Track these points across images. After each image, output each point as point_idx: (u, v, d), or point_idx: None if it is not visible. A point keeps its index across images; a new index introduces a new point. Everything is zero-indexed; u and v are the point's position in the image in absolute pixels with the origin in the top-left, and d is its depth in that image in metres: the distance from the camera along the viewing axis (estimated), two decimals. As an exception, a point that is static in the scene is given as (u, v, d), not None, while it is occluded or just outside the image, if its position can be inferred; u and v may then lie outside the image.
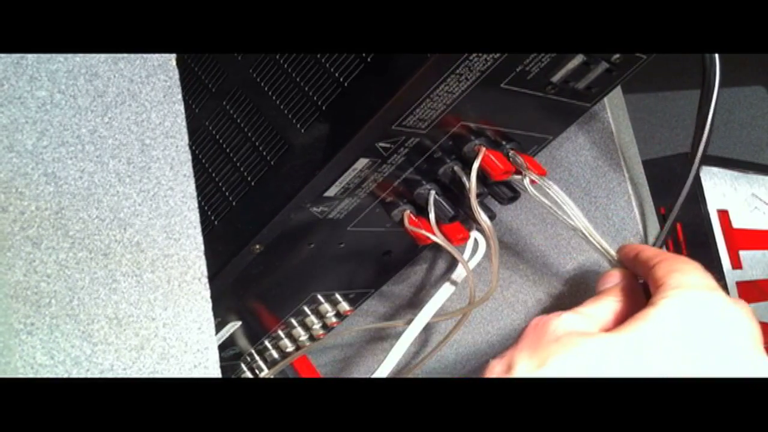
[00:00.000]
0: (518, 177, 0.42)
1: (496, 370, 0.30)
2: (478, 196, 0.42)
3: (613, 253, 0.41)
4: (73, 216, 0.26)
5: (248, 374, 0.53)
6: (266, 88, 0.40)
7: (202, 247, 0.30)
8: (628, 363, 0.29)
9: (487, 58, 0.35)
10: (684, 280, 0.32)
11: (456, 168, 0.42)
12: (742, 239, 0.76)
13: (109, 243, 0.27)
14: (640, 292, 0.36)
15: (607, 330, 0.31)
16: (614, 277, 0.37)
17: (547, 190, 0.42)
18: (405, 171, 0.41)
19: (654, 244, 0.50)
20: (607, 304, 0.34)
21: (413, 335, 0.46)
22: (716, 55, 0.40)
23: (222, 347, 0.49)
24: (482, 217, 0.42)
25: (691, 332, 0.30)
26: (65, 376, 0.24)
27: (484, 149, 0.41)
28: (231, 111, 0.42)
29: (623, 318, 0.33)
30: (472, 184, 0.41)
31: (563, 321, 0.32)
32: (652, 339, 0.29)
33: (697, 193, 0.72)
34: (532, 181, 0.42)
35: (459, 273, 0.48)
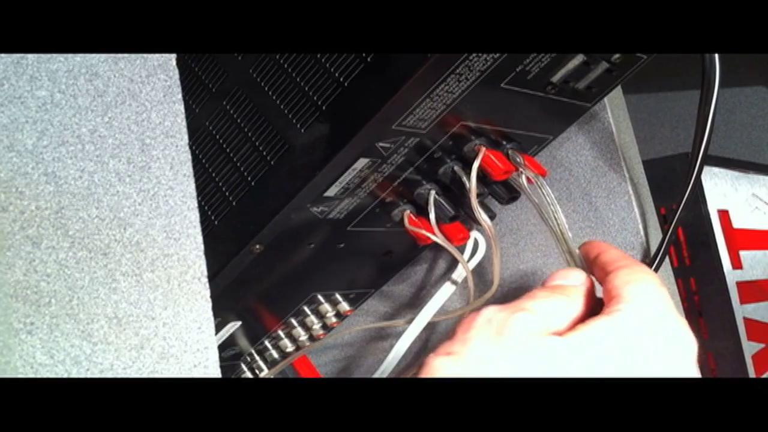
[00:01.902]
0: (515, 173, 0.42)
1: (445, 370, 0.29)
2: (479, 196, 0.42)
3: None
4: (73, 215, 0.26)
5: (248, 374, 0.53)
6: (266, 88, 0.40)
7: (202, 247, 0.30)
8: (575, 368, 0.29)
9: (487, 57, 0.35)
10: (638, 295, 0.32)
11: (456, 168, 0.42)
12: (743, 239, 0.76)
13: (109, 242, 0.27)
14: (594, 296, 0.35)
15: (559, 332, 0.31)
16: (575, 278, 0.36)
17: (539, 189, 0.42)
18: (405, 171, 0.41)
19: (659, 248, 0.50)
20: (562, 305, 0.33)
21: (414, 335, 0.46)
22: (716, 55, 0.40)
23: (222, 347, 0.49)
24: (482, 216, 0.42)
25: (637, 348, 0.30)
26: (65, 375, 0.24)
27: (484, 149, 0.41)
28: (231, 111, 0.42)
29: (576, 320, 0.33)
30: (472, 184, 0.41)
31: (517, 320, 0.31)
32: (599, 349, 0.30)
33: (698, 193, 0.72)
34: (528, 180, 0.42)
35: (459, 273, 0.48)
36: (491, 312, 0.31)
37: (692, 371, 0.31)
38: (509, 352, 0.29)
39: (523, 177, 0.42)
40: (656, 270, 0.51)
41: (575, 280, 0.35)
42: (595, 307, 0.34)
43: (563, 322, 0.32)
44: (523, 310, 0.31)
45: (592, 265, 0.37)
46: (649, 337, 0.31)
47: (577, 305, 0.33)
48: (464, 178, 0.42)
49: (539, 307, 0.32)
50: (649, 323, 0.31)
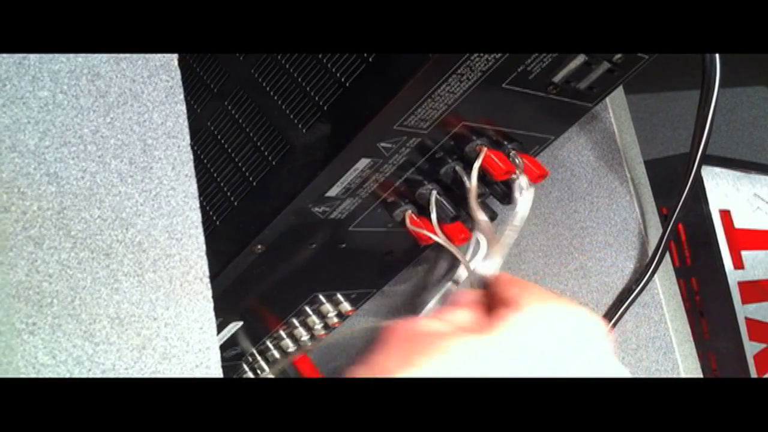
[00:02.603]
0: (513, 176, 0.42)
1: (356, 374, 0.29)
2: (480, 196, 0.42)
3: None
4: (75, 216, 0.26)
5: (250, 374, 0.53)
6: (268, 89, 0.40)
7: (203, 247, 0.30)
8: (498, 362, 0.29)
9: (488, 58, 0.35)
10: (539, 298, 0.32)
11: (458, 168, 0.42)
12: (744, 239, 0.75)
13: (111, 243, 0.27)
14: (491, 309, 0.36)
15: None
16: (470, 295, 0.36)
17: (522, 191, 0.42)
18: (406, 171, 0.41)
19: (657, 246, 0.50)
20: (465, 314, 0.33)
21: (415, 335, 0.46)
22: (716, 55, 0.40)
23: (224, 347, 0.49)
24: (481, 217, 0.42)
25: (554, 337, 0.30)
26: (67, 375, 0.24)
27: (485, 149, 0.41)
28: (233, 111, 0.42)
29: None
30: (472, 184, 0.41)
31: (428, 325, 0.31)
32: (517, 339, 0.29)
33: (699, 193, 0.72)
34: (534, 180, 0.42)
35: (461, 273, 0.48)
36: (400, 324, 0.32)
37: (613, 361, 0.31)
38: (410, 349, 0.29)
39: (523, 180, 0.42)
40: (656, 268, 0.51)
41: (468, 297, 0.36)
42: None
43: (470, 327, 0.33)
44: (429, 318, 0.32)
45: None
46: (561, 327, 0.30)
47: (477, 314, 0.34)
48: (465, 178, 0.42)
49: (441, 315, 0.33)
50: (559, 314, 0.31)
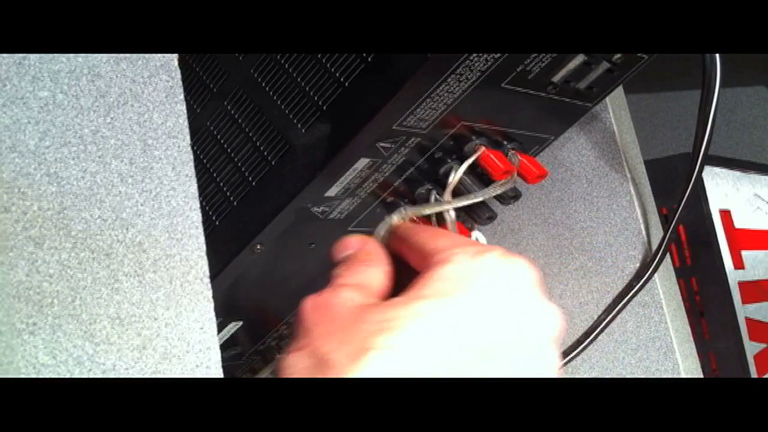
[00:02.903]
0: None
1: (300, 366, 0.28)
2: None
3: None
4: (75, 216, 0.26)
5: (250, 374, 0.53)
6: (267, 89, 0.40)
7: (203, 247, 0.30)
8: (452, 325, 0.27)
9: (487, 57, 0.35)
10: (454, 243, 0.30)
11: (456, 168, 0.42)
12: (745, 239, 0.75)
13: (111, 243, 0.27)
14: (390, 256, 0.34)
15: (385, 298, 0.30)
16: (356, 242, 0.34)
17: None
18: (406, 171, 0.41)
19: (659, 247, 0.50)
20: (375, 274, 0.31)
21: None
22: (717, 55, 0.40)
23: (224, 347, 0.49)
24: (451, 214, 0.40)
25: (487, 283, 0.29)
26: (67, 375, 0.24)
27: (483, 148, 0.41)
28: (232, 111, 0.42)
29: (397, 283, 0.32)
30: (456, 177, 0.41)
31: (344, 298, 0.29)
32: (441, 306, 0.28)
33: (699, 193, 0.72)
34: (532, 180, 0.42)
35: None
36: (311, 300, 0.30)
37: (537, 303, 0.29)
38: (353, 332, 0.28)
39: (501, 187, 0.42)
40: (656, 268, 0.51)
41: (358, 244, 0.33)
42: (408, 266, 0.33)
43: (380, 288, 0.31)
44: (342, 287, 0.30)
45: (403, 243, 0.34)
46: (491, 272, 0.29)
47: (381, 267, 0.32)
48: (465, 177, 0.42)
49: (353, 281, 0.31)
50: (483, 260, 0.29)
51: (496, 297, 0.29)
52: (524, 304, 0.29)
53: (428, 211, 0.38)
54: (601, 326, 0.52)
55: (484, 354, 0.28)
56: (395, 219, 0.35)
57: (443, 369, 0.27)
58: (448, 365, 0.27)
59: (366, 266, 0.32)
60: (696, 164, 0.45)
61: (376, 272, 0.32)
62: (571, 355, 0.52)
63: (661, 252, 0.50)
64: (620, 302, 0.52)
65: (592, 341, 0.52)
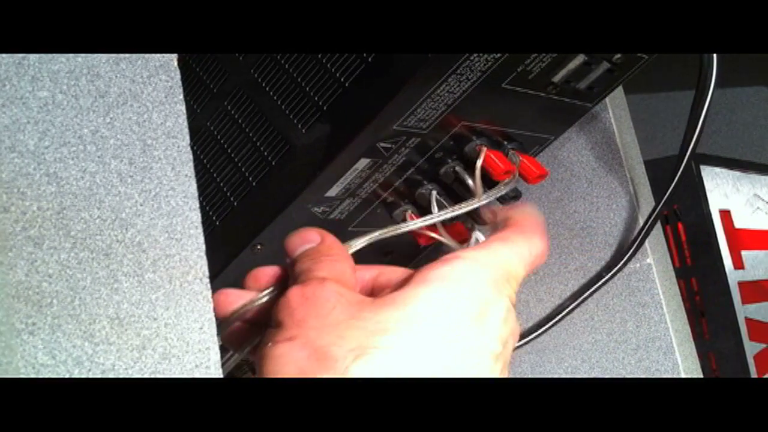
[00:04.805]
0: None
1: (294, 356, 0.28)
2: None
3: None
4: (74, 216, 0.26)
5: (250, 374, 0.53)
6: (267, 89, 0.40)
7: (203, 248, 0.30)
8: (417, 325, 0.28)
9: (488, 58, 0.35)
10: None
11: (458, 168, 0.42)
12: (744, 239, 0.75)
13: (111, 243, 0.27)
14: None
15: (378, 296, 0.30)
16: (315, 236, 0.33)
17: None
18: (406, 171, 0.41)
19: (636, 238, 0.51)
20: (345, 268, 0.31)
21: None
22: (714, 56, 0.40)
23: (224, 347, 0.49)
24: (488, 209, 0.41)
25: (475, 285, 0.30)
26: (67, 376, 0.24)
27: (485, 149, 0.41)
28: (232, 111, 0.42)
29: (377, 280, 0.32)
30: (477, 183, 0.41)
31: (330, 291, 0.29)
32: (428, 307, 0.28)
33: (699, 193, 0.72)
34: (534, 180, 0.42)
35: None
36: (298, 291, 0.30)
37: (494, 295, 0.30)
38: (353, 328, 0.28)
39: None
40: (630, 258, 0.51)
41: (317, 237, 0.33)
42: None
43: (353, 282, 0.31)
44: (325, 280, 0.30)
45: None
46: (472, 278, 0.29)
47: (348, 262, 0.32)
48: (467, 178, 0.42)
49: (332, 274, 0.30)
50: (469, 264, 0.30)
51: (480, 296, 0.29)
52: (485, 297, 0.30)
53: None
54: (566, 311, 0.53)
55: (470, 353, 0.28)
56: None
57: (443, 369, 0.27)
58: (445, 363, 0.28)
59: (334, 260, 0.32)
60: (682, 163, 0.45)
61: (346, 266, 0.32)
62: (529, 337, 0.51)
63: (636, 243, 0.50)
64: (588, 290, 0.52)
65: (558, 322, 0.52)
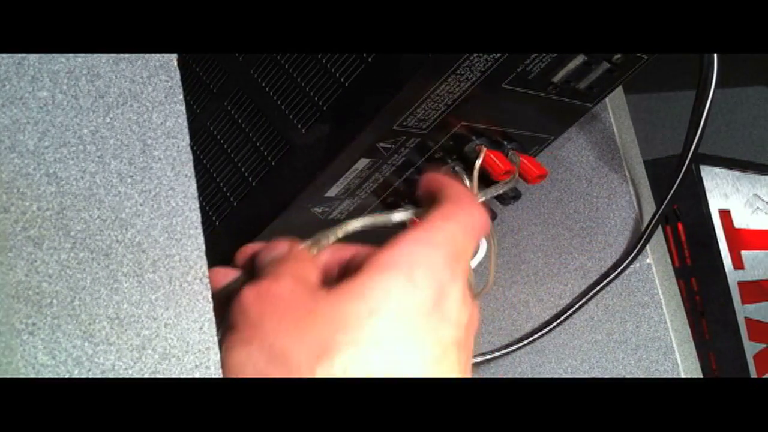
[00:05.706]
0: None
1: (253, 360, 0.27)
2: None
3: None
4: (74, 216, 0.26)
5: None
6: (267, 89, 0.40)
7: (203, 248, 0.30)
8: (378, 311, 0.27)
9: (487, 58, 0.35)
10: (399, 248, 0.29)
11: (457, 168, 0.42)
12: (744, 239, 0.75)
13: (111, 243, 0.27)
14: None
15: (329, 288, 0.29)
16: (283, 247, 0.33)
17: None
18: (406, 171, 0.41)
19: (642, 234, 0.51)
20: (310, 269, 0.31)
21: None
22: (714, 55, 0.40)
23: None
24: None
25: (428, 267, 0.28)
26: (67, 376, 0.24)
27: (485, 149, 0.41)
28: (232, 111, 0.42)
29: (352, 261, 0.32)
30: (474, 184, 0.41)
31: (287, 288, 0.28)
32: (382, 292, 0.27)
33: (699, 193, 0.72)
34: (533, 180, 0.42)
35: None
36: (252, 289, 0.29)
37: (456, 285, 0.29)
38: (310, 326, 0.27)
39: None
40: (636, 257, 0.51)
41: (285, 248, 0.32)
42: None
43: (312, 279, 0.30)
44: (282, 275, 0.29)
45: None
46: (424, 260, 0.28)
47: (307, 260, 0.31)
48: (465, 179, 0.42)
49: (288, 271, 0.29)
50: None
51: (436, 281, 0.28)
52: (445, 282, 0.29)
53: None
54: (573, 309, 0.53)
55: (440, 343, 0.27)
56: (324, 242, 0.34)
57: (408, 366, 0.27)
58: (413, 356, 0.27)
59: (293, 259, 0.31)
60: (684, 163, 0.45)
61: (306, 265, 0.31)
62: (534, 336, 0.51)
63: (642, 242, 0.50)
64: (596, 287, 0.52)
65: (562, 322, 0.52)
